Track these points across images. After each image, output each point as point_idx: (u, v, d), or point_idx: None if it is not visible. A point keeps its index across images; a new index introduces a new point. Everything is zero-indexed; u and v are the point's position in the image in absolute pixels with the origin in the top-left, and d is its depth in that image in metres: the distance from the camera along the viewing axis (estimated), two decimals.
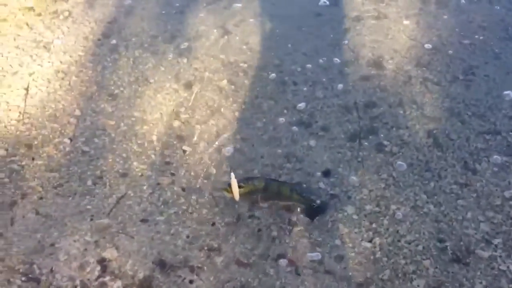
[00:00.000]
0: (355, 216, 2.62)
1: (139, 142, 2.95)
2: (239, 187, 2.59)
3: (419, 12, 3.79)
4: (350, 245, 2.50)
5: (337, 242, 2.52)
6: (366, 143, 2.95)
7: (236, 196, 2.59)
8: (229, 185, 2.58)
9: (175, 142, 2.95)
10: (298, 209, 2.64)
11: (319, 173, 2.81)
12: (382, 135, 2.98)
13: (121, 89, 3.21)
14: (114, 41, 3.49)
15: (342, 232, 2.55)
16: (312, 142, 2.96)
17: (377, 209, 2.64)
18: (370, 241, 2.51)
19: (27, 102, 3.08)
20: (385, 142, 2.94)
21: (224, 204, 2.67)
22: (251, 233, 2.55)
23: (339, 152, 2.91)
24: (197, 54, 3.45)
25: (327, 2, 3.86)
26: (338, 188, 2.74)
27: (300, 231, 2.56)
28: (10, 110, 3.03)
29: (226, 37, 3.56)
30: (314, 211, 2.64)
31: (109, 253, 2.45)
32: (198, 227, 2.58)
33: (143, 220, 2.60)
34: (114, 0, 3.80)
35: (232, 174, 2.56)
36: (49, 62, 3.31)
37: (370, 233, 2.55)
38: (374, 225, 2.57)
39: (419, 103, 3.15)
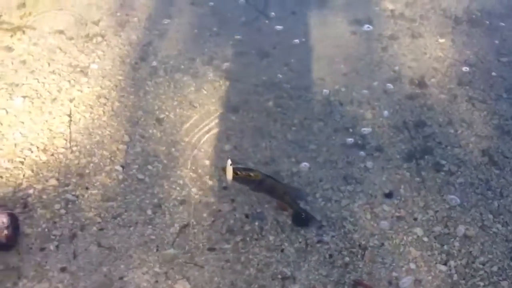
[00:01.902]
0: (425, 239, 2.58)
1: (193, 167, 2.87)
2: (236, 174, 2.60)
3: (452, 30, 3.81)
4: (425, 268, 2.46)
5: (412, 265, 2.47)
6: (423, 163, 2.93)
7: (229, 179, 2.61)
8: (224, 168, 2.62)
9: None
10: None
11: (380, 195, 2.77)
12: (438, 155, 2.96)
13: (167, 113, 3.13)
14: (152, 64, 3.42)
15: (415, 255, 2.51)
16: (369, 164, 2.92)
17: (446, 230, 2.61)
18: (445, 264, 2.48)
19: (71, 129, 2.97)
20: (442, 162, 2.92)
21: (290, 230, 2.61)
22: (322, 259, 2.50)
23: (398, 173, 2.88)
24: (238, 76, 3.40)
25: (360, 21, 3.84)
26: (403, 209, 2.70)
27: (372, 256, 2.51)
28: (55, 137, 2.93)
29: (265, 58, 3.52)
30: (300, 220, 2.63)
31: (181, 285, 2.37)
32: (267, 254, 2.51)
33: (210, 249, 2.52)
34: (146, 22, 3.72)
35: (229, 160, 2.59)
36: (88, 87, 3.22)
37: (444, 255, 2.51)
38: (445, 247, 2.54)
39: (468, 122, 3.15)
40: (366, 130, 3.10)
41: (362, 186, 2.82)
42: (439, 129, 3.11)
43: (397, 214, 2.68)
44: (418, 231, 2.61)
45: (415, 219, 2.66)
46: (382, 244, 2.55)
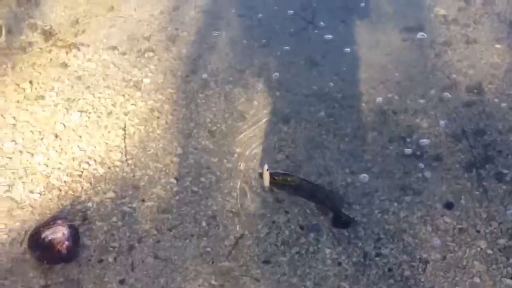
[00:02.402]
0: (489, 251, 2.48)
1: (245, 179, 2.85)
2: (273, 179, 2.67)
3: (508, 35, 3.69)
4: (491, 282, 2.37)
5: (476, 279, 2.38)
6: (484, 173, 2.82)
7: (266, 184, 2.68)
8: (261, 174, 2.70)
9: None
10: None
11: (440, 206, 2.68)
12: (499, 164, 2.85)
13: (218, 125, 3.13)
14: (203, 77, 3.43)
15: (479, 269, 2.41)
16: (427, 174, 2.84)
17: (511, 242, 2.49)
18: (511, 278, 2.37)
19: (126, 142, 3.01)
20: (505, 171, 2.82)
21: (347, 242, 2.55)
22: (381, 273, 2.43)
23: (458, 184, 2.78)
24: (288, 87, 3.37)
25: (412, 28, 3.75)
26: (465, 221, 2.61)
27: (433, 270, 2.42)
28: (111, 151, 2.97)
29: (315, 68, 3.48)
30: (340, 223, 2.62)
31: None
32: (324, 267, 2.47)
33: (266, 262, 2.49)
34: (196, 36, 3.75)
35: (266, 165, 2.68)
36: (142, 101, 3.26)
37: (509, 268, 2.42)
38: (511, 260, 2.43)
39: None
40: (423, 139, 3.02)
41: (421, 197, 2.74)
42: (500, 137, 3.00)
43: (458, 226, 2.59)
44: (482, 243, 2.51)
45: (478, 231, 2.56)
46: (444, 258, 2.47)
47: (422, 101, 3.24)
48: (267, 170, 2.66)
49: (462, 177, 2.81)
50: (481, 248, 2.49)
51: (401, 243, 2.54)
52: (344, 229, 2.60)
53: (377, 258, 2.49)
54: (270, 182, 2.70)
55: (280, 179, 2.71)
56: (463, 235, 2.55)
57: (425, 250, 2.50)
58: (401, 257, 2.49)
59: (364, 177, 2.83)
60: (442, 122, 3.11)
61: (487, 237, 2.53)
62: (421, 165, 2.88)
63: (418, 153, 2.95)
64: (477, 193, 2.73)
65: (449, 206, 2.67)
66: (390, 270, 2.44)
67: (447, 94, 3.27)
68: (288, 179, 2.71)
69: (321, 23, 3.80)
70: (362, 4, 3.96)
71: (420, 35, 3.68)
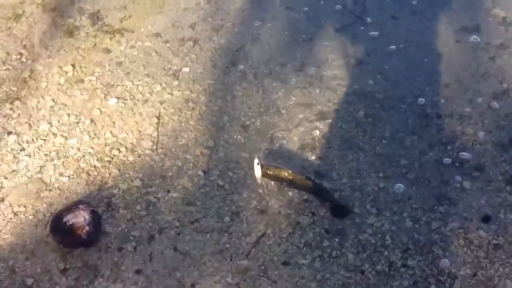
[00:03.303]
0: None
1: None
2: (266, 173, 2.66)
3: None
4: None
5: None
6: None
7: (258, 177, 2.65)
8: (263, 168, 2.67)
9: (312, 178, 2.75)
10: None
11: (477, 219, 2.52)
12: None
13: (253, 120, 3.07)
14: (242, 69, 3.37)
15: None
16: (466, 184, 2.67)
17: None
18: None
19: (159, 131, 3.00)
20: None
21: (373, 249, 2.43)
22: (406, 286, 2.30)
23: (499, 196, 2.61)
24: (329, 84, 3.26)
25: (467, 28, 3.54)
26: (502, 237, 2.44)
27: (462, 286, 2.27)
28: (142, 139, 2.97)
29: (359, 66, 3.35)
30: (339, 212, 2.60)
31: None
32: (345, 274, 2.37)
33: (285, 263, 2.42)
34: (240, 27, 3.69)
35: (256, 159, 2.64)
36: (178, 90, 3.24)
37: None
38: None
39: None
40: (465, 147, 2.84)
41: (457, 208, 2.58)
42: None
43: (494, 241, 2.43)
44: None
45: None
46: (475, 274, 2.32)
47: (470, 106, 3.06)
48: (258, 164, 2.64)
49: (503, 190, 2.63)
50: None
51: (430, 255, 2.41)
52: (343, 218, 2.58)
53: (402, 269, 2.37)
54: (263, 175, 2.67)
55: (272, 172, 2.69)
56: (498, 251, 2.38)
57: (455, 264, 2.35)
58: (429, 270, 2.36)
59: (399, 186, 2.69)
60: (489, 129, 2.91)
61: None
62: (461, 174, 2.71)
63: (459, 161, 2.78)
64: None
65: (486, 219, 2.51)
66: (415, 283, 2.32)
67: (497, 100, 3.06)
68: (281, 172, 2.69)
69: (368, 19, 3.65)
70: (415, 2, 3.75)
71: (475, 36, 3.46)
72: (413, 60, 3.35)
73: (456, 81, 3.21)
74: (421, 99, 3.12)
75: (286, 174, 2.69)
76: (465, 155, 2.80)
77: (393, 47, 3.45)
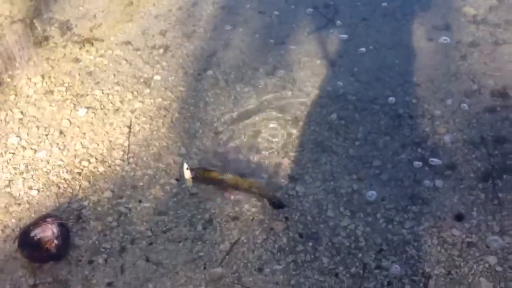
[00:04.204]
0: (498, 268, 2.31)
1: (249, 179, 2.75)
2: (196, 176, 2.67)
3: None
4: None
5: None
6: (501, 184, 2.63)
7: (188, 180, 2.66)
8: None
9: (286, 182, 2.74)
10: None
11: (450, 218, 2.52)
12: None
13: (225, 126, 3.04)
14: (214, 75, 3.35)
15: (486, 287, 2.23)
16: (438, 183, 2.67)
17: None
18: None
19: (130, 140, 2.96)
20: None
21: (347, 252, 2.42)
22: (380, 287, 2.28)
23: (471, 194, 2.61)
24: (301, 87, 3.25)
25: (438, 27, 3.55)
26: (475, 235, 2.44)
27: (436, 285, 2.27)
28: (113, 149, 2.93)
29: (331, 68, 3.35)
30: (276, 204, 2.62)
31: None
32: (320, 278, 2.35)
33: (259, 270, 2.40)
34: (212, 33, 3.67)
35: (185, 164, 2.64)
36: (150, 98, 3.21)
37: None
38: None
39: None
40: (437, 146, 2.84)
41: (430, 207, 2.57)
42: None
43: (467, 239, 2.42)
44: (491, 259, 2.34)
45: (488, 246, 2.39)
46: (449, 273, 2.31)
47: (441, 105, 3.07)
48: (187, 168, 2.64)
49: (476, 187, 2.63)
50: (490, 265, 2.31)
51: (404, 255, 2.40)
52: (282, 208, 2.61)
53: (376, 271, 2.35)
54: (193, 178, 2.68)
55: (201, 175, 2.70)
56: (471, 249, 2.38)
57: (429, 264, 2.34)
58: (403, 270, 2.34)
59: (370, 184, 2.68)
60: (460, 128, 2.91)
61: (497, 252, 2.35)
62: (433, 173, 2.71)
63: (431, 160, 2.77)
64: (491, 205, 2.54)
65: (459, 218, 2.51)
66: (389, 283, 2.30)
67: (469, 98, 3.07)
68: (210, 174, 2.71)
69: (339, 22, 3.64)
70: (384, 4, 3.76)
71: (445, 35, 3.47)
72: (384, 61, 3.36)
73: (428, 81, 3.22)
74: (392, 99, 3.11)
75: (216, 175, 2.70)
76: (437, 153, 2.80)
77: (363, 49, 3.44)
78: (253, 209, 2.63)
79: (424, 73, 3.28)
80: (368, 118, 3.04)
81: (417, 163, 2.77)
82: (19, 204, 2.65)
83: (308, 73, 3.33)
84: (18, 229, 2.53)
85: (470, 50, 3.39)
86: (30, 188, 2.72)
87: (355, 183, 2.72)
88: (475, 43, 3.43)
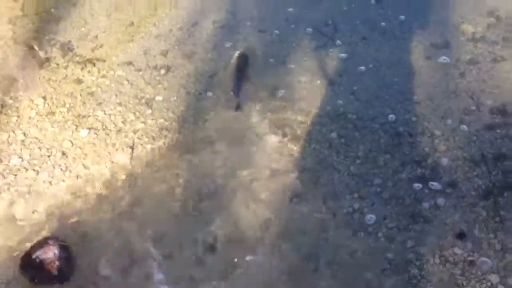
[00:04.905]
0: (500, 287, 2.30)
1: (251, 200, 2.76)
2: None
3: None
4: None
5: None
6: (502, 201, 2.64)
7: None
8: None
9: (288, 201, 2.74)
10: None
11: (452, 236, 2.52)
12: None
13: (227, 147, 3.05)
14: (216, 95, 3.37)
15: None
16: (440, 201, 2.68)
17: None
18: None
19: (132, 161, 2.98)
20: None
21: (349, 272, 2.41)
22: None
23: (473, 212, 2.62)
24: (301, 106, 3.27)
25: (436, 45, 3.58)
26: (477, 253, 2.44)
27: None
28: (116, 170, 2.95)
29: (331, 87, 3.37)
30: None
31: None
32: None
33: None
34: (212, 53, 3.70)
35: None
36: (152, 119, 3.23)
37: None
38: None
39: None
40: (437, 164, 2.85)
41: (431, 225, 2.58)
42: None
43: (469, 258, 2.43)
44: (493, 278, 2.34)
45: (490, 264, 2.38)
46: None
47: (441, 123, 3.08)
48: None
49: (477, 205, 2.64)
50: (492, 283, 2.32)
51: (406, 274, 2.39)
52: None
53: None
54: None
55: None
56: (473, 268, 2.38)
57: (431, 283, 2.34)
58: None
59: (372, 202, 2.69)
60: (460, 146, 2.93)
61: (499, 271, 2.35)
62: (435, 191, 2.71)
63: (432, 178, 2.78)
64: (493, 223, 2.55)
65: (461, 236, 2.51)
66: None
67: (468, 116, 3.08)
68: None
69: (338, 41, 3.66)
70: (383, 24, 3.78)
71: (444, 53, 3.50)
72: (383, 80, 3.38)
73: (427, 99, 3.24)
74: (392, 117, 3.13)
75: None
76: (438, 171, 2.81)
77: (363, 67, 3.46)
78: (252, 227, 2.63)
79: (424, 91, 3.30)
80: (368, 137, 3.06)
81: (418, 181, 2.77)
82: (22, 226, 2.66)
83: (308, 92, 3.35)
84: (20, 251, 2.53)
85: (468, 68, 3.41)
86: (33, 209, 2.73)
87: (357, 201, 2.73)
88: (473, 61, 3.45)
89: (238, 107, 3.26)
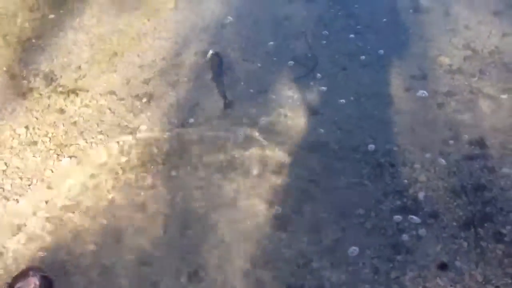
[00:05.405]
0: None
1: (233, 233, 2.76)
2: None
3: None
4: None
5: None
6: (482, 232, 2.68)
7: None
8: None
9: (271, 232, 2.75)
10: None
11: (434, 267, 2.54)
12: (499, 222, 2.71)
13: (210, 177, 3.06)
14: (198, 124, 3.38)
15: None
16: (421, 231, 2.71)
17: None
18: None
19: (115, 191, 2.97)
20: (504, 230, 2.67)
21: None
22: None
23: (454, 243, 2.65)
24: (283, 137, 3.29)
25: (415, 77, 3.66)
26: (459, 284, 2.47)
27: None
28: (98, 200, 2.94)
29: (312, 117, 3.41)
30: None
31: None
32: None
33: None
34: (195, 81, 3.72)
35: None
36: (135, 148, 3.23)
37: None
38: None
39: None
40: (419, 194, 2.90)
41: (414, 256, 2.61)
42: (501, 193, 2.86)
43: None
44: None
45: None
46: None
47: (421, 153, 3.13)
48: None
49: (458, 236, 2.67)
50: None
51: None
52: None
53: None
54: None
55: None
56: None
57: None
58: None
59: (353, 233, 2.71)
60: (441, 176, 2.97)
61: None
62: (416, 221, 2.75)
63: (414, 208, 2.82)
64: (474, 253, 2.58)
65: (443, 267, 2.54)
66: None
67: (447, 147, 3.14)
68: None
69: (318, 74, 3.72)
70: (363, 57, 3.85)
71: (422, 85, 3.58)
72: (364, 111, 3.43)
73: (407, 130, 3.29)
74: (373, 147, 3.17)
75: None
76: (419, 201, 2.85)
77: (343, 100, 3.51)
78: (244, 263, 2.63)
79: (404, 122, 3.36)
80: (350, 167, 3.09)
81: (400, 211, 2.81)
82: (3, 257, 2.62)
83: (289, 123, 3.39)
84: (2, 282, 2.49)
85: (447, 100, 3.49)
86: (15, 240, 2.69)
87: (338, 233, 2.74)
88: (451, 93, 3.53)
89: (227, 106, 3.48)
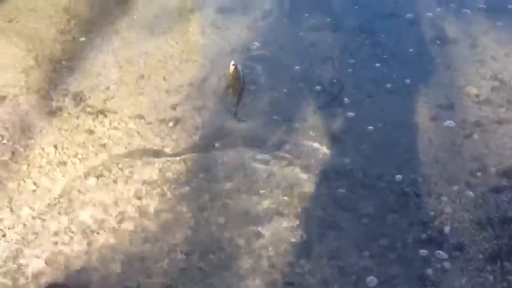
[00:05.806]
0: None
1: (255, 258, 2.76)
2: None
3: None
4: None
5: None
6: (509, 265, 2.64)
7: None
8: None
9: (294, 259, 2.74)
10: None
11: None
12: None
13: (234, 199, 3.08)
14: (223, 148, 3.41)
15: None
16: (447, 264, 2.68)
17: None
18: None
19: (140, 212, 3.00)
20: None
21: None
22: None
23: (479, 276, 2.61)
24: (308, 163, 3.30)
25: (442, 106, 3.65)
26: None
27: None
28: (124, 220, 2.97)
29: (337, 144, 3.41)
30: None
31: None
32: None
33: None
34: (221, 106, 3.77)
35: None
36: (161, 171, 3.26)
37: None
38: None
39: None
40: (445, 225, 2.87)
41: None
42: None
43: None
44: None
45: None
46: None
47: (447, 184, 3.11)
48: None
49: (484, 269, 2.63)
50: None
51: None
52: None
53: None
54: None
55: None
56: None
57: None
58: None
59: (379, 263, 2.69)
60: (467, 208, 2.95)
61: None
62: (442, 254, 2.72)
63: (439, 240, 2.79)
64: (500, 287, 2.53)
65: None
66: None
67: (474, 178, 3.12)
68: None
69: (346, 99, 3.74)
70: (389, 85, 3.86)
71: (449, 115, 3.56)
72: (390, 139, 3.42)
73: (433, 159, 3.28)
74: (399, 177, 3.16)
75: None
76: (445, 233, 2.82)
77: (370, 127, 3.51)
78: (263, 284, 2.62)
79: (429, 152, 3.34)
80: (375, 195, 3.08)
81: (425, 243, 2.78)
82: (26, 277, 2.65)
83: (314, 149, 3.39)
84: None
85: (474, 130, 3.47)
86: (39, 258, 2.73)
87: (364, 261, 2.72)
88: (478, 123, 3.51)
89: (235, 115, 3.67)
